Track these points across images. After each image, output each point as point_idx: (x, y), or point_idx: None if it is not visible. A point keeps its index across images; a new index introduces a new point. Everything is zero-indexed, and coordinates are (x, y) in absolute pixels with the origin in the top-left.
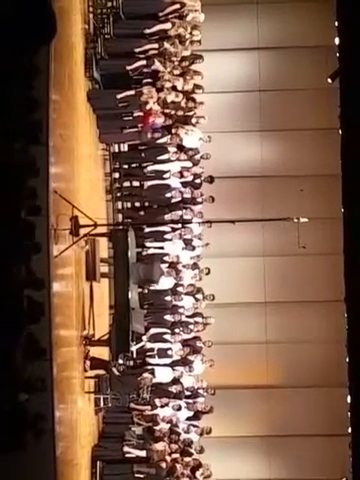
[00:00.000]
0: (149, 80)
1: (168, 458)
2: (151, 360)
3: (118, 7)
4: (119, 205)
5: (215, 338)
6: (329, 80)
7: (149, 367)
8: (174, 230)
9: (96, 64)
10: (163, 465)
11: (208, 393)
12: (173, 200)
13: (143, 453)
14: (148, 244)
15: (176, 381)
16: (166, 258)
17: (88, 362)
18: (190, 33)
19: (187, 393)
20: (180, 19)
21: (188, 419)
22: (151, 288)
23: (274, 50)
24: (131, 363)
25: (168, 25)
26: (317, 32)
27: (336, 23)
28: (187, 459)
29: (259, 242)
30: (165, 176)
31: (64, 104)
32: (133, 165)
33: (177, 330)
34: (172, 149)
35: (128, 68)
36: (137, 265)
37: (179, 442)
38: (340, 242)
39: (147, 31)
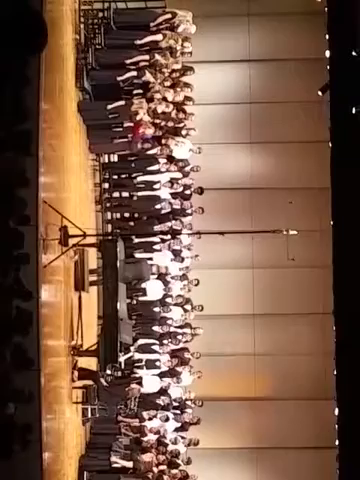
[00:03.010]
0: (140, 91)
1: (155, 469)
2: (139, 371)
3: (109, 18)
4: (108, 215)
5: (203, 349)
6: (319, 93)
7: (137, 376)
8: (163, 241)
9: (87, 74)
10: (150, 476)
11: (196, 404)
12: (163, 211)
13: (130, 464)
14: (137, 255)
15: (164, 392)
16: (155, 269)
17: (76, 372)
18: (181, 45)
19: (175, 404)
20: (171, 30)
21: (176, 430)
22: (140, 299)
23: (265, 62)
24: (119, 374)
25: (159, 36)
26: (308, 45)
27: (327, 36)
28: (174, 471)
29: (248, 254)
30: (155, 187)
31: (54, 114)
32: (123, 176)
33: (165, 341)
34: (162, 160)
35: (119, 79)
36: (126, 266)
37: (166, 453)
38: (329, 255)
39: (138, 42)
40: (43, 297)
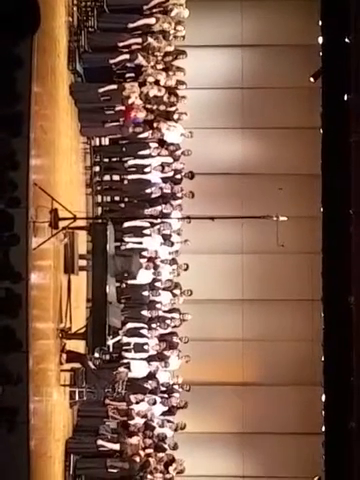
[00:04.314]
0: (132, 74)
1: (142, 453)
2: (127, 354)
3: (102, 0)
4: (99, 199)
5: (192, 334)
6: (311, 79)
7: (125, 361)
8: (153, 225)
9: (79, 57)
10: (137, 459)
11: (183, 389)
12: (153, 195)
13: (117, 447)
14: (127, 239)
15: (151, 376)
16: (145, 253)
17: (64, 355)
18: (174, 28)
19: (162, 388)
20: (164, 14)
21: (163, 414)
22: (129, 282)
23: (257, 48)
24: (107, 357)
25: (152, 20)
26: (301, 31)
27: (320, 22)
28: (160, 454)
29: (238, 239)
30: (146, 171)
31: (46, 96)
32: (114, 159)
33: (154, 325)
34: (153, 144)
35: (111, 62)
36: (115, 258)
37: (153, 437)
38: (318, 241)
39: (131, 25)
40: (32, 279)
